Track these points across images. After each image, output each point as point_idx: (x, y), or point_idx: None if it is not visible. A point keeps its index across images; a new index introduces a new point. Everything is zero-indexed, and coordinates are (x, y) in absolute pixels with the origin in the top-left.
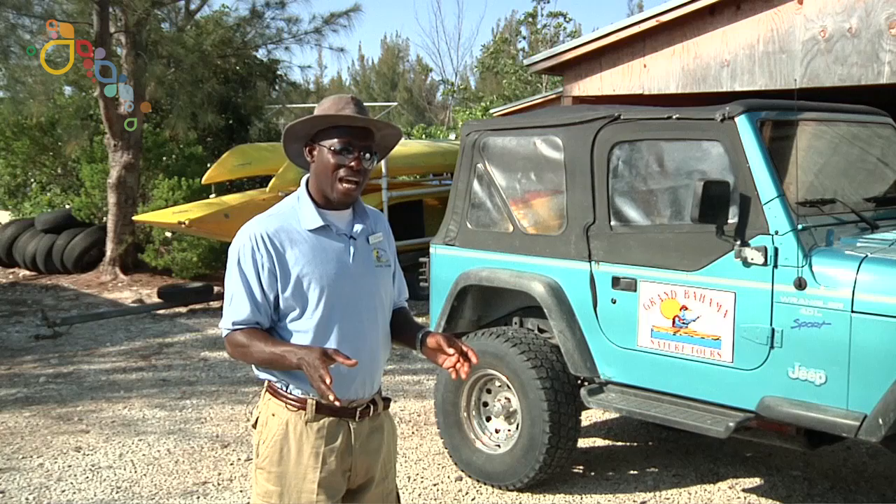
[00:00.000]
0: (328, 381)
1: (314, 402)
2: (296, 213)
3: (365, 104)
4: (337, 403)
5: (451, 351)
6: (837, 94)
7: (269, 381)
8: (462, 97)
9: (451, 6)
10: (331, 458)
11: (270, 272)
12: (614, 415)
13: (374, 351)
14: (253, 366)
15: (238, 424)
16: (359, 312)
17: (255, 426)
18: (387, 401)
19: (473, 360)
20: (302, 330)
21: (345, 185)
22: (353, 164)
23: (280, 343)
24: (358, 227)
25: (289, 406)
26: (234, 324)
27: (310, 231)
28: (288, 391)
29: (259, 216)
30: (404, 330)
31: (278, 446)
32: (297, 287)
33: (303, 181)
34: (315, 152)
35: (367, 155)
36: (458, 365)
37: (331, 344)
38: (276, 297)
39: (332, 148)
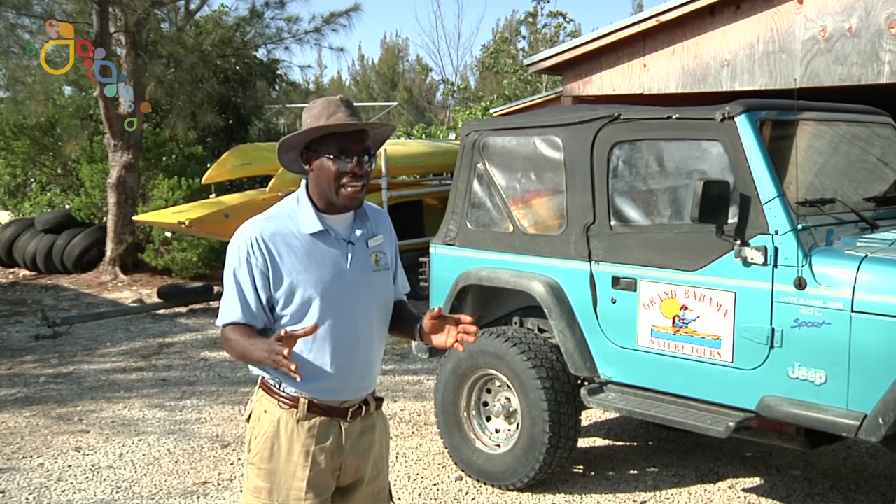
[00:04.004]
0: (290, 364)
1: (306, 400)
2: (294, 215)
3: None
4: (298, 378)
5: (448, 327)
6: (837, 94)
7: (263, 377)
8: (462, 97)
9: (451, 6)
10: (321, 457)
11: (264, 275)
12: (614, 415)
13: (368, 356)
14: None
15: (238, 424)
16: (354, 317)
17: (248, 421)
18: (379, 400)
19: (472, 330)
20: None
21: (349, 189)
22: (355, 168)
23: (252, 337)
24: (358, 232)
25: (281, 404)
26: (224, 324)
27: (308, 235)
28: (280, 388)
29: (256, 217)
30: (403, 322)
31: (269, 443)
32: (291, 291)
33: (303, 183)
34: (313, 161)
35: (367, 157)
36: (461, 337)
37: (323, 348)
38: (271, 299)
39: (331, 155)
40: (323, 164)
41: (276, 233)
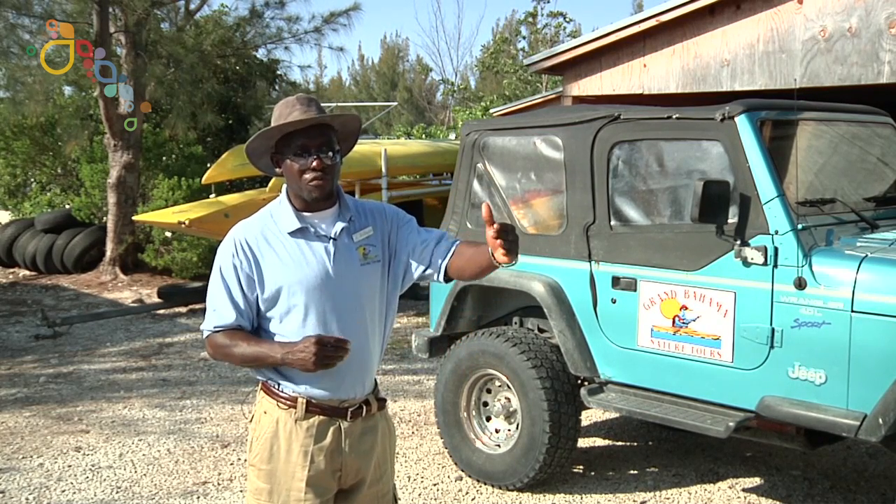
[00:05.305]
0: (324, 355)
1: (304, 400)
2: (276, 216)
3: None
4: (346, 351)
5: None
6: (837, 94)
7: (263, 379)
8: (462, 97)
9: (451, 6)
10: (319, 457)
11: (248, 277)
12: (614, 415)
13: (362, 352)
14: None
15: (238, 424)
16: (342, 314)
17: (251, 423)
18: (382, 401)
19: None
20: (284, 334)
21: (314, 182)
22: (314, 164)
23: (263, 342)
24: (339, 227)
25: (280, 404)
26: (215, 327)
27: (289, 234)
28: (279, 389)
29: (243, 220)
30: (476, 255)
31: (269, 444)
32: (276, 292)
33: (283, 186)
34: (282, 163)
35: (330, 152)
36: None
37: None
38: (258, 300)
39: (292, 155)
40: (287, 165)
41: (260, 235)
